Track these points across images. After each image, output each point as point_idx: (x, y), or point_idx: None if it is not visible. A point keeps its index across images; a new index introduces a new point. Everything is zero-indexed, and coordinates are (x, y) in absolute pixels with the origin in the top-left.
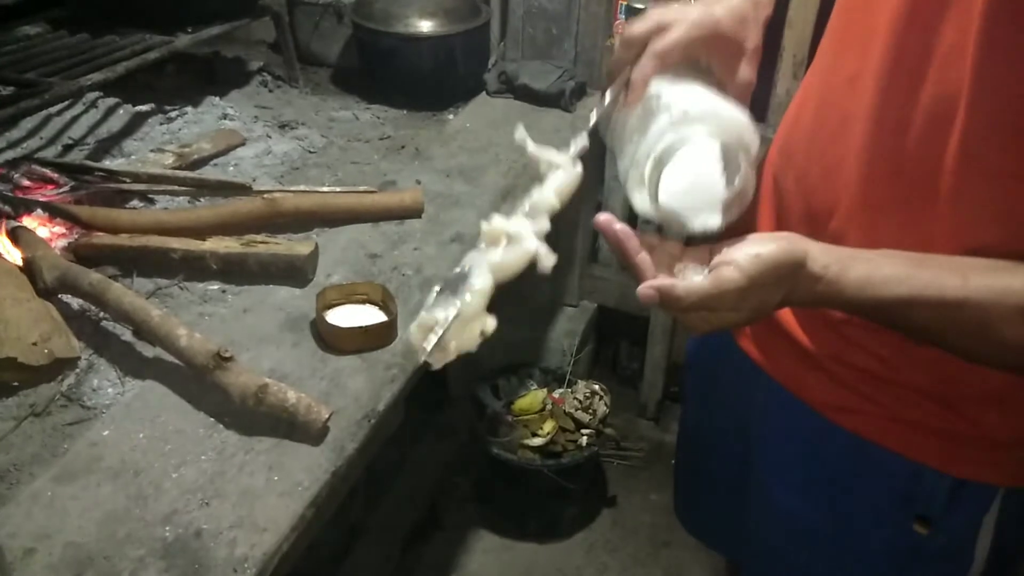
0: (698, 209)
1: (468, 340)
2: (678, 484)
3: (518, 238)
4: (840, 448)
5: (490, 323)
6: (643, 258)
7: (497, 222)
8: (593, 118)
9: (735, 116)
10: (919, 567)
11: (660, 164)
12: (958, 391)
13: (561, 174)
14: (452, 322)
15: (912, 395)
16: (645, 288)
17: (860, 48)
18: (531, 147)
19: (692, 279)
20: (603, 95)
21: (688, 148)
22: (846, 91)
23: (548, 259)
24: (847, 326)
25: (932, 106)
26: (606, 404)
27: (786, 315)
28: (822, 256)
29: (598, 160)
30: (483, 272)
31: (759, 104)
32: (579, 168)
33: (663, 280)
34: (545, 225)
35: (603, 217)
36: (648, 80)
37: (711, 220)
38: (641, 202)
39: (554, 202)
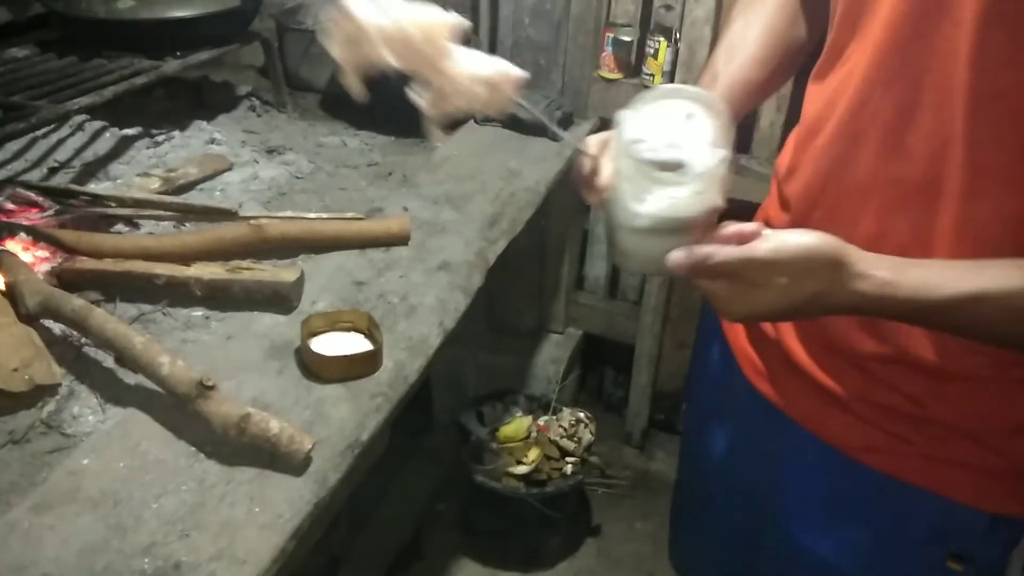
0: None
1: None
2: (675, 530)
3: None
4: (868, 488)
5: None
6: None
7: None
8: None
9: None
10: None
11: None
12: (990, 426)
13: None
14: None
15: (943, 432)
16: (676, 253)
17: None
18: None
19: (727, 247)
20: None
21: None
22: (853, 107)
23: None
24: (874, 363)
25: (933, 125)
26: (591, 432)
27: (804, 355)
28: (871, 260)
29: None
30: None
31: (744, 136)
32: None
33: (698, 249)
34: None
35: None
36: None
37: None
38: (638, 205)
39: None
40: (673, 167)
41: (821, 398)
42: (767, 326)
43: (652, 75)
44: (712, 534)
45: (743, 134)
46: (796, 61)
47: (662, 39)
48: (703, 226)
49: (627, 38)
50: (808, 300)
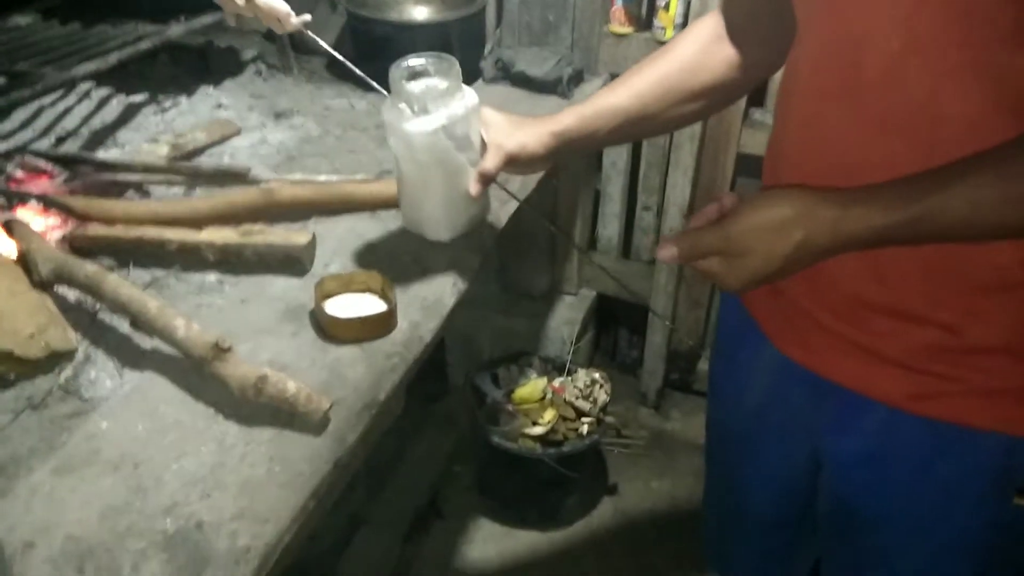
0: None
1: None
2: (709, 519)
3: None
4: (921, 438)
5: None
6: None
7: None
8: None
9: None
10: None
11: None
12: None
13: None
14: None
15: (987, 359)
16: (663, 244)
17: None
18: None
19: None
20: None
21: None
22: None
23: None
24: (899, 300)
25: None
26: (606, 392)
27: (826, 315)
28: (837, 195)
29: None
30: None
31: (758, 90)
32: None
33: (678, 235)
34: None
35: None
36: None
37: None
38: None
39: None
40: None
41: (854, 353)
42: (785, 294)
43: (664, 28)
44: (752, 520)
45: (758, 87)
46: (705, 100)
47: None
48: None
49: None
50: (798, 250)
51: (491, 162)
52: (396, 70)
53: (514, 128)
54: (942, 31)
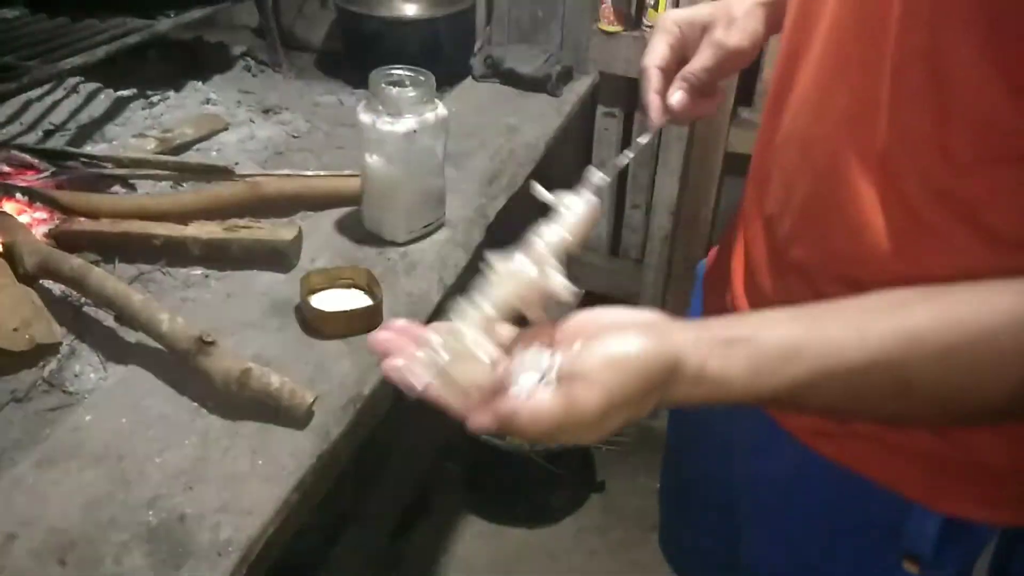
0: None
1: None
2: (663, 515)
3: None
4: (821, 478)
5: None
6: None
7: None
8: (631, 153)
9: None
10: None
11: None
12: None
13: (577, 209)
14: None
15: None
16: (478, 417)
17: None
18: (545, 195)
19: (539, 398)
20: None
21: None
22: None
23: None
24: None
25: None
26: None
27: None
28: (695, 351)
29: (588, 135)
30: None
31: (746, 88)
32: (595, 201)
33: (502, 405)
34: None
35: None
36: (682, 106)
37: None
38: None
39: (568, 239)
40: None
41: None
42: (722, 300)
43: (652, 27)
44: (695, 521)
45: (746, 86)
46: None
47: None
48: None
49: None
50: (648, 412)
51: (703, 60)
52: (376, 74)
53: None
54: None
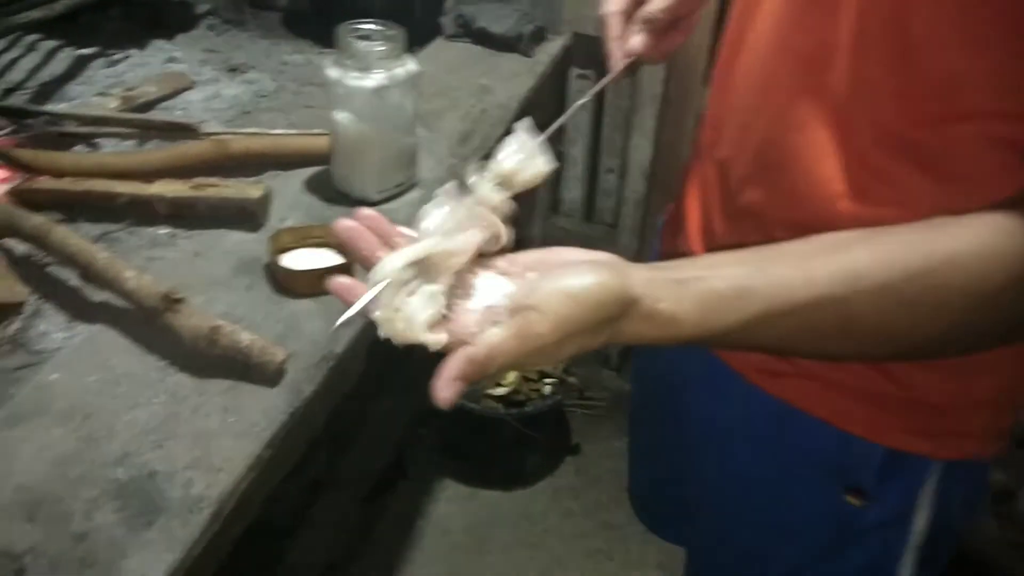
0: None
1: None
2: (630, 469)
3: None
4: (769, 416)
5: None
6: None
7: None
8: (589, 95)
9: None
10: (855, 540)
11: None
12: None
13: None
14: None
15: None
16: (441, 391)
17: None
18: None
19: (491, 332)
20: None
21: None
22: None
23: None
24: None
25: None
26: None
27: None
28: (648, 290)
29: (559, 106)
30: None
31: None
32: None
33: (456, 358)
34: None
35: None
36: (644, 48)
37: None
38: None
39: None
40: None
41: None
42: (678, 245)
43: None
44: (658, 469)
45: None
46: None
47: None
48: None
49: None
50: (600, 345)
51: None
52: (345, 28)
53: None
54: None
